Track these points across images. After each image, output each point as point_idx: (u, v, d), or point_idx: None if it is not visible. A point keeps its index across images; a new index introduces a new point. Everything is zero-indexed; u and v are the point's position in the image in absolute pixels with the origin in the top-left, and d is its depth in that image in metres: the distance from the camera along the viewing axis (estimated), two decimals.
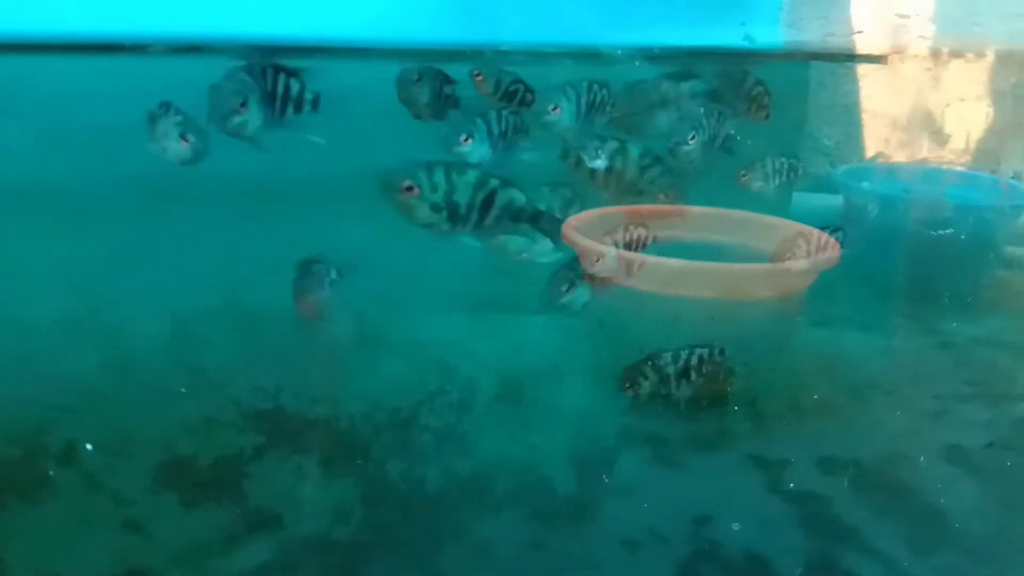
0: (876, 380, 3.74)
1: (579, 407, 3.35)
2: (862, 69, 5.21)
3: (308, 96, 2.60)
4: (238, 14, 2.89)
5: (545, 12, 3.28)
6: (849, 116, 5.35)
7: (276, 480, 2.83)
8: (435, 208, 2.18)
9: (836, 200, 4.82)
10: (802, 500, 2.96)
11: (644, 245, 3.52)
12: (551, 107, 2.93)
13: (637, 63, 3.47)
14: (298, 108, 2.58)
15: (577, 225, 3.61)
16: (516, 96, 3.16)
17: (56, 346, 3.01)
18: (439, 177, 2.16)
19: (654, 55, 3.55)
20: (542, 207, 2.46)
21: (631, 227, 3.52)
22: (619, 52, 3.43)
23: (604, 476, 3.07)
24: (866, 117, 5.48)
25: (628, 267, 3.37)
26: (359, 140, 2.79)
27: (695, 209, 4.05)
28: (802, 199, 4.40)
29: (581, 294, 2.80)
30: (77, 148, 3.20)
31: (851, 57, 4.54)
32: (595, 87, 2.85)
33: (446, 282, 3.58)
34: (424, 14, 3.16)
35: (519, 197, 2.29)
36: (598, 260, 3.26)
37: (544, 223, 2.44)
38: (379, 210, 2.31)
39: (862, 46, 3.89)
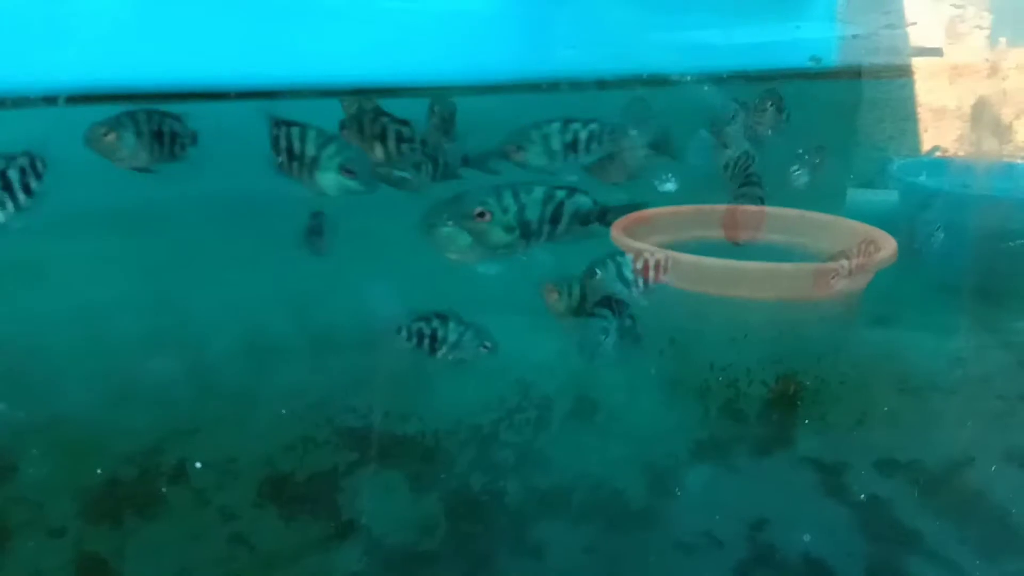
0: (936, 381, 3.70)
1: (649, 420, 3.40)
2: (917, 62, 5.02)
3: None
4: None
5: (612, 41, 3.30)
6: (904, 110, 5.16)
7: (367, 494, 2.97)
8: (508, 229, 2.23)
9: (892, 196, 4.67)
10: (863, 504, 2.95)
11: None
12: (513, 148, 2.75)
13: (705, 87, 3.46)
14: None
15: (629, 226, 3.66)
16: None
17: (167, 373, 3.20)
18: (508, 199, 2.21)
19: (722, 79, 3.54)
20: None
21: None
22: (688, 78, 3.43)
23: (676, 490, 3.12)
24: (922, 111, 5.27)
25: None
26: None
27: (749, 209, 4.03)
28: (858, 195, 4.28)
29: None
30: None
31: (906, 51, 4.39)
32: (574, 126, 2.72)
33: (515, 299, 3.67)
34: (491, 48, 3.20)
35: (585, 201, 2.33)
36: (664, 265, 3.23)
37: (611, 217, 2.48)
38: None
39: (917, 38, 3.80)
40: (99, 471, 2.78)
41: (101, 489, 2.77)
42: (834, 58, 3.93)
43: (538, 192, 2.27)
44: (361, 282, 3.02)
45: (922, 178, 4.60)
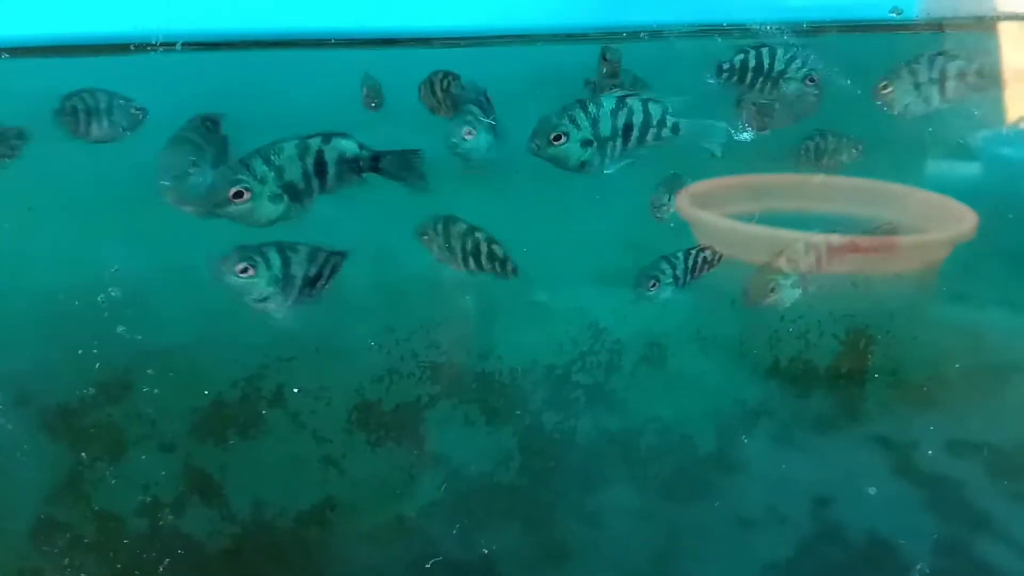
0: (1016, 359, 3.58)
1: (715, 375, 3.39)
2: (1005, 26, 4.76)
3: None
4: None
5: None
6: (990, 78, 4.89)
7: (447, 426, 3.02)
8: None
9: (975, 168, 4.49)
10: (933, 483, 2.91)
11: None
12: (465, 131, 2.52)
13: (786, 37, 3.32)
14: None
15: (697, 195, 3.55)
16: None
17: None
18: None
19: (803, 30, 3.40)
20: None
21: None
22: (769, 27, 3.29)
23: (744, 438, 3.11)
24: (1008, 78, 4.99)
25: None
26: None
27: (821, 179, 3.90)
28: (938, 167, 4.12)
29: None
30: None
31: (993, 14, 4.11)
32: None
33: (592, 252, 3.62)
34: None
35: (349, 146, 2.05)
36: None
37: (386, 163, 2.16)
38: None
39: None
40: (206, 393, 2.86)
41: (208, 410, 2.87)
42: (915, 10, 3.73)
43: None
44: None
45: (1008, 150, 4.38)
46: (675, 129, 2.11)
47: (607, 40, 2.98)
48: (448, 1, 2.88)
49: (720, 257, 2.70)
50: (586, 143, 2.03)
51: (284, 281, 2.07)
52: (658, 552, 2.90)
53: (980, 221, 3.41)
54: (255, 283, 1.99)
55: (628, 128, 2.07)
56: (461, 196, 3.23)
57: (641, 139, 2.10)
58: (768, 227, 3.22)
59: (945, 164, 3.88)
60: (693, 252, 2.62)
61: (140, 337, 2.59)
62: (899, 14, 3.19)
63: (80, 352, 2.69)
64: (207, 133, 2.20)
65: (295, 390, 2.93)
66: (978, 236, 3.37)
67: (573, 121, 2.03)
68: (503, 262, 2.51)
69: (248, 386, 2.94)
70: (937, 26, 3.67)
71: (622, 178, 3.32)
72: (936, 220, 3.46)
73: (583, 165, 2.06)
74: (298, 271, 2.13)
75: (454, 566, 2.80)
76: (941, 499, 2.90)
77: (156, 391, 2.82)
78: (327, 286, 2.18)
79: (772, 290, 2.62)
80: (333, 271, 2.21)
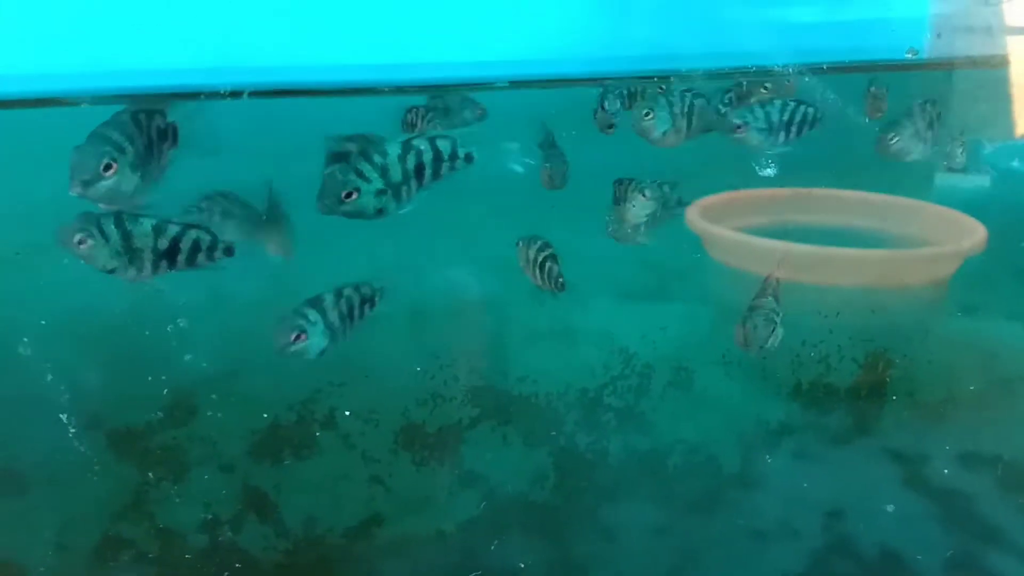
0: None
1: (740, 395, 3.41)
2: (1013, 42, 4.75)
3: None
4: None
5: (717, 34, 3.21)
6: (998, 91, 4.88)
7: (487, 446, 3.08)
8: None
9: (984, 181, 4.45)
10: (944, 496, 2.92)
11: None
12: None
13: (806, 79, 3.34)
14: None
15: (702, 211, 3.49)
16: None
17: None
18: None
19: (822, 70, 3.42)
20: None
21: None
22: (789, 70, 3.32)
23: (767, 457, 3.14)
24: (1016, 91, 4.96)
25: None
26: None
27: (830, 192, 3.68)
28: (948, 180, 4.09)
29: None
30: None
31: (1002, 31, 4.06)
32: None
33: (616, 274, 3.64)
34: (592, 42, 3.14)
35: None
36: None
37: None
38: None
39: (1013, 18, 3.58)
40: (264, 416, 2.95)
41: (265, 432, 2.96)
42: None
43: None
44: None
45: (1016, 163, 4.35)
46: (468, 159, 2.13)
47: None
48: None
49: None
50: (380, 192, 2.00)
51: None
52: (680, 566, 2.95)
53: (989, 234, 3.44)
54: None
55: (420, 168, 2.06)
56: (486, 219, 3.29)
57: (436, 174, 2.10)
58: (779, 240, 3.29)
59: (954, 178, 3.84)
60: None
61: (205, 364, 2.68)
62: (915, 55, 3.22)
63: (149, 378, 2.78)
64: (134, 129, 2.02)
65: (346, 413, 3.02)
66: (987, 249, 3.42)
67: (361, 175, 1.99)
68: (556, 279, 2.62)
69: (303, 409, 3.05)
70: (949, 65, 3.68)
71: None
72: (946, 233, 3.49)
73: (379, 212, 2.03)
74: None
75: None
76: (954, 512, 2.91)
77: (218, 415, 2.91)
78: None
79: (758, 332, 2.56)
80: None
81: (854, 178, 3.63)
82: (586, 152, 2.98)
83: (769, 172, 3.18)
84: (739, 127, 2.62)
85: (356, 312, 2.30)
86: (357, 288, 2.36)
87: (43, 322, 2.76)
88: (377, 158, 2.01)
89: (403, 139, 2.05)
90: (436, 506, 3.01)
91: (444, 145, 2.09)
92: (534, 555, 2.94)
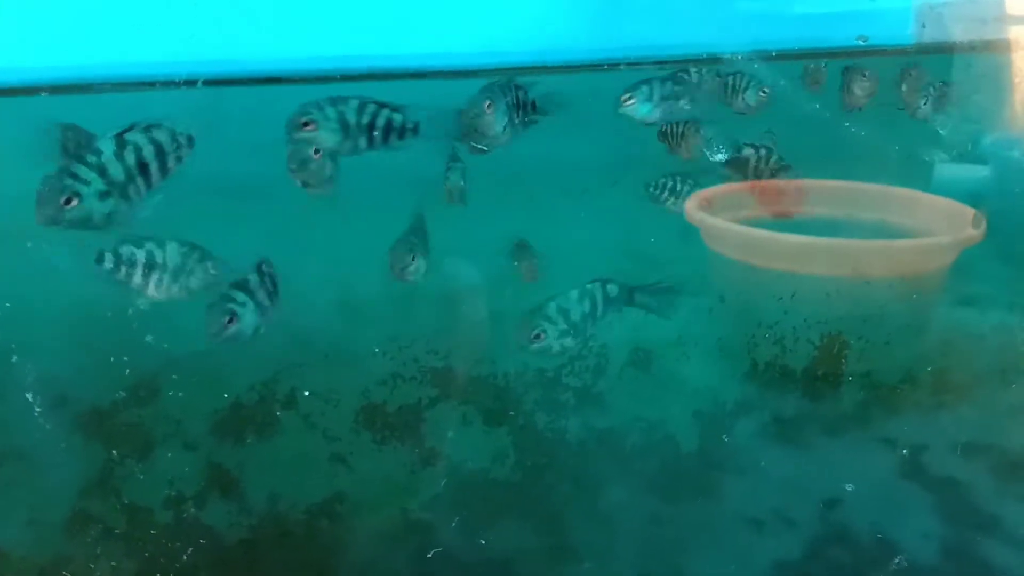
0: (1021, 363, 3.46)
1: (700, 377, 3.45)
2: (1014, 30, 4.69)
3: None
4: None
5: (667, 21, 3.21)
6: (997, 82, 4.82)
7: (446, 425, 3.13)
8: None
9: (983, 171, 4.39)
10: (939, 485, 2.94)
11: None
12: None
13: (756, 65, 3.33)
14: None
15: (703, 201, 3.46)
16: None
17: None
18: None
19: (771, 57, 3.41)
20: None
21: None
22: (739, 56, 3.31)
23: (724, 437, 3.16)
24: (1018, 81, 4.89)
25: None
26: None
27: (828, 183, 3.65)
28: (946, 171, 4.03)
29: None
30: None
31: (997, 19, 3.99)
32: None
33: (578, 259, 3.66)
34: (549, 31, 3.14)
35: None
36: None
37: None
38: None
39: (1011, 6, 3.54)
40: (226, 396, 2.99)
41: (227, 411, 3.00)
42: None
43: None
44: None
45: (1016, 152, 4.23)
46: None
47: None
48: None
49: None
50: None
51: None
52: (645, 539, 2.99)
53: (987, 224, 3.36)
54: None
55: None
56: (467, 210, 3.32)
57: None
58: (775, 231, 3.28)
59: (953, 168, 3.79)
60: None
61: (166, 345, 2.72)
62: (865, 41, 3.24)
63: (112, 359, 2.81)
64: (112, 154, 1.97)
65: (306, 393, 3.06)
66: (986, 239, 3.36)
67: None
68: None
69: (264, 389, 3.08)
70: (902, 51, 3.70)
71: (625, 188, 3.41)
72: (944, 223, 3.46)
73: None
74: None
75: (453, 556, 2.90)
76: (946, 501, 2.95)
77: (180, 394, 2.94)
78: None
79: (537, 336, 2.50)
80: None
81: (855, 169, 3.65)
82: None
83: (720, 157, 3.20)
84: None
85: (277, 287, 2.32)
86: (268, 263, 2.35)
87: (7, 304, 2.79)
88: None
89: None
90: (397, 484, 3.04)
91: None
92: (494, 532, 2.99)
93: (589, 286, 2.42)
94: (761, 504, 2.93)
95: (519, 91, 2.45)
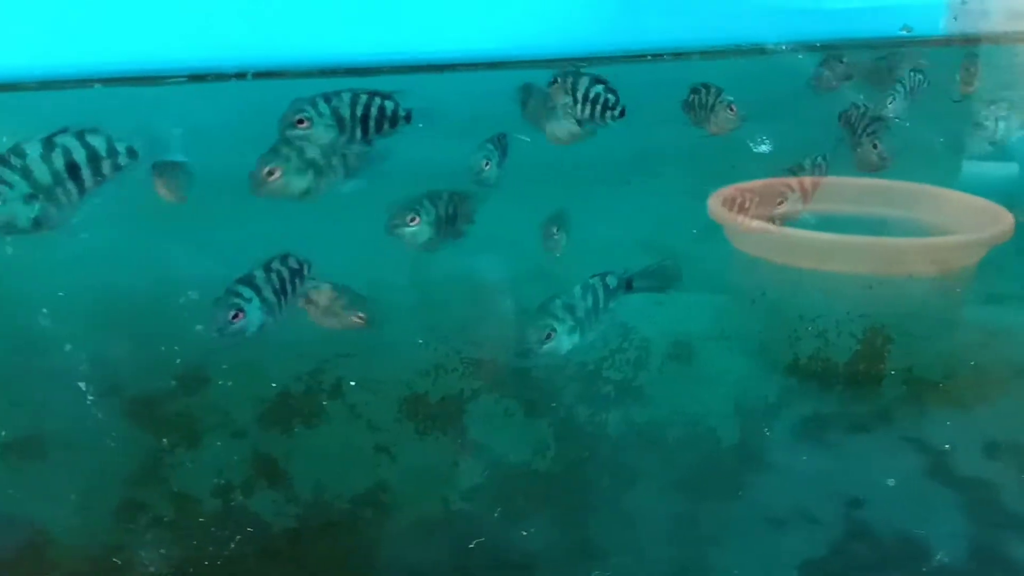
0: None
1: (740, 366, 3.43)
2: None
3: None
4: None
5: (708, 10, 3.17)
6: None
7: (488, 417, 3.12)
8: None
9: (1011, 169, 4.34)
10: (965, 485, 2.91)
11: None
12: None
13: (800, 56, 3.28)
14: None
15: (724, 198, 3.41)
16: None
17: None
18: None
19: (815, 47, 3.36)
20: None
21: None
22: (783, 47, 3.26)
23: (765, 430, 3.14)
24: None
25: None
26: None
27: (858, 181, 3.57)
28: (974, 168, 3.99)
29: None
30: None
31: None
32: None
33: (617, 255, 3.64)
34: (577, 20, 3.11)
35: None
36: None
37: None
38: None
39: None
40: (274, 385, 3.01)
41: (275, 401, 3.01)
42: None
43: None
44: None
45: None
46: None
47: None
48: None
49: None
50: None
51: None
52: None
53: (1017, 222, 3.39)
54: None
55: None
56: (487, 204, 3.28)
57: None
58: (799, 229, 3.24)
59: (982, 166, 3.74)
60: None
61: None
62: (909, 31, 3.19)
63: (162, 348, 2.84)
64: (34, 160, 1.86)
65: (352, 383, 3.07)
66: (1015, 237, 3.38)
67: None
68: None
69: (311, 379, 3.10)
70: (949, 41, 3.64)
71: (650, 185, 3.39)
72: (973, 221, 3.45)
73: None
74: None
75: (494, 547, 2.90)
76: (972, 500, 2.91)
77: (229, 384, 2.97)
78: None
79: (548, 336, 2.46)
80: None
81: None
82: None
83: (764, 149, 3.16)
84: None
85: (288, 285, 2.33)
86: (284, 260, 2.36)
87: (61, 294, 2.83)
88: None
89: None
90: (440, 474, 3.06)
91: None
92: (535, 523, 2.99)
93: (591, 280, 2.42)
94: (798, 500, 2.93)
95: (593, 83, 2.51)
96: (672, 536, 2.87)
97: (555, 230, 3.06)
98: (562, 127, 2.53)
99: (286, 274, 2.34)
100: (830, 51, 3.06)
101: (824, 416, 3.33)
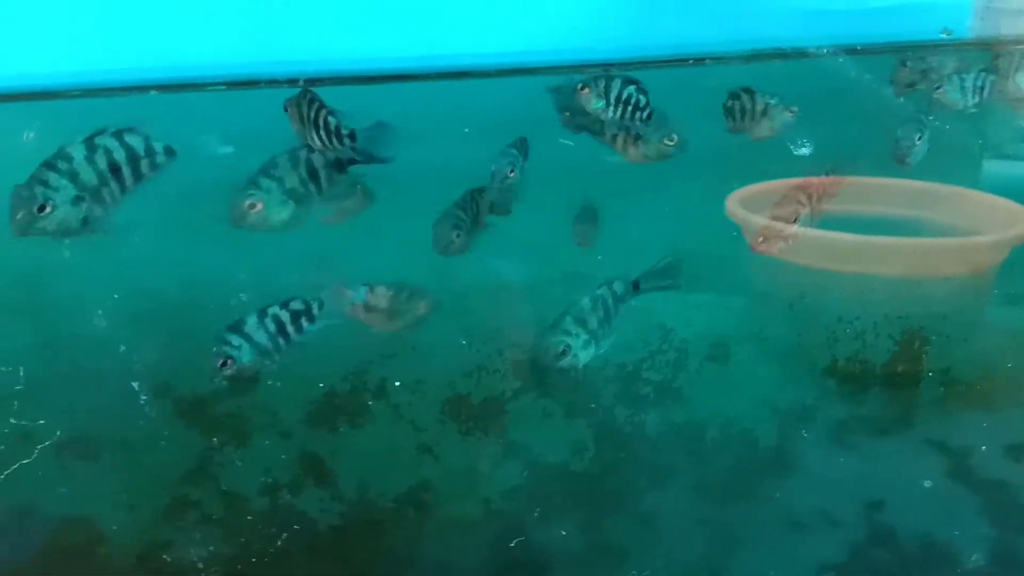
0: None
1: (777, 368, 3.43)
2: None
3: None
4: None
5: (747, 13, 3.16)
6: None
7: (528, 417, 3.15)
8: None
9: None
10: (988, 487, 2.90)
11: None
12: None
13: (840, 59, 3.27)
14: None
15: (741, 200, 3.41)
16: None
17: None
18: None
19: (856, 51, 3.34)
20: None
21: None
22: (823, 50, 3.24)
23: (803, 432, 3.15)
24: None
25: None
26: None
27: (878, 181, 3.57)
28: (995, 168, 3.96)
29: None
30: None
31: None
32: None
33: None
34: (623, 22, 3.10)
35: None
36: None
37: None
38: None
39: None
40: (321, 385, 3.05)
41: (321, 401, 3.05)
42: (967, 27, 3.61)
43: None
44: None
45: None
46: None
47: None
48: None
49: None
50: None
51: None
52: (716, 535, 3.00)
53: None
54: None
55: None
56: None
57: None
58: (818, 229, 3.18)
59: (1003, 166, 3.71)
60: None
61: None
62: (949, 35, 3.17)
63: (214, 349, 2.89)
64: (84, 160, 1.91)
65: (396, 384, 3.11)
66: None
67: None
68: None
69: (356, 380, 3.15)
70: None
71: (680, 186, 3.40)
72: (993, 222, 3.43)
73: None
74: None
75: (534, 546, 2.93)
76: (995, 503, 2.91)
77: (278, 384, 3.01)
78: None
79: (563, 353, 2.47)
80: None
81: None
82: None
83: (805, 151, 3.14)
84: None
85: (288, 327, 2.38)
86: (286, 304, 2.42)
87: (115, 296, 2.90)
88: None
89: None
90: (481, 474, 3.10)
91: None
92: (574, 523, 3.01)
93: (598, 291, 2.45)
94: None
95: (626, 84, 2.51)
96: (708, 538, 2.91)
97: (587, 225, 3.09)
98: (653, 148, 2.55)
99: (285, 317, 2.41)
100: (905, 52, 3.04)
101: (862, 417, 3.34)
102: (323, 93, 2.37)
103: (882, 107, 3.09)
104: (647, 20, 3.10)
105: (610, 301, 2.47)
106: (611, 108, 2.53)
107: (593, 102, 2.52)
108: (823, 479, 3.14)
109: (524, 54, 2.95)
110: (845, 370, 3.39)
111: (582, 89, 2.54)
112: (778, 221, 3.03)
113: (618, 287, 2.51)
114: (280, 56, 2.67)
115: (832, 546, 2.81)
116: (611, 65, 3.02)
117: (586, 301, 2.45)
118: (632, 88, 2.51)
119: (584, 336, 2.38)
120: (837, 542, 2.83)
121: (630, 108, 2.52)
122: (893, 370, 3.41)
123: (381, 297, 2.40)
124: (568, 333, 2.38)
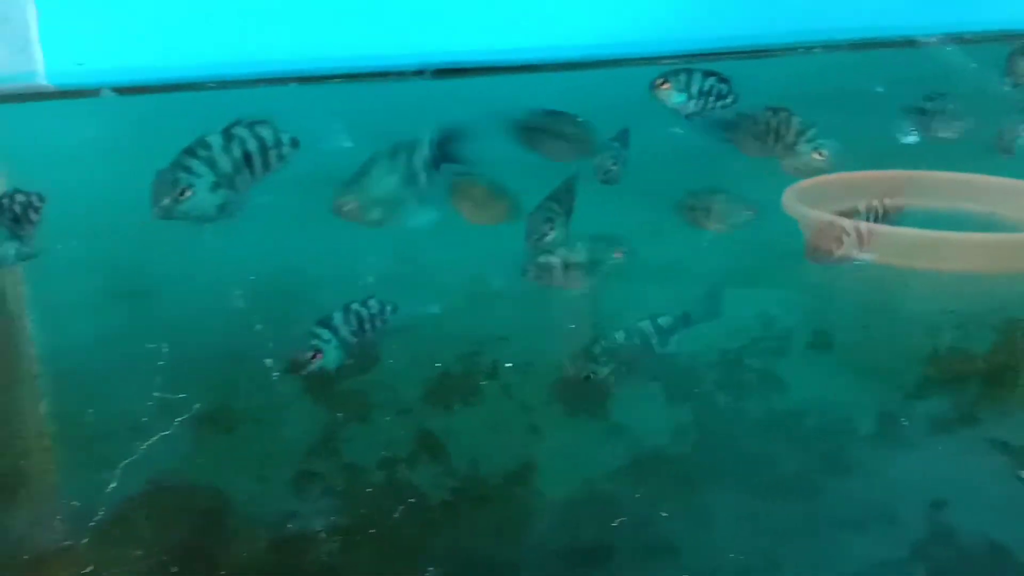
0: None
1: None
2: None
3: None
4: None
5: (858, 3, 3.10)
6: None
7: (631, 401, 3.22)
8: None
9: None
10: None
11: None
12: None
13: (949, 49, 3.19)
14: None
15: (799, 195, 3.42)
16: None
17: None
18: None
19: (965, 40, 3.25)
20: None
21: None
22: (933, 39, 3.17)
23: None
24: None
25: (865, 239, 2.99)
26: None
27: (934, 175, 3.55)
28: None
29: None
30: None
31: None
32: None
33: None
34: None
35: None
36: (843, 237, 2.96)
37: None
38: None
39: None
40: (437, 365, 3.19)
41: (437, 380, 3.19)
42: None
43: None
44: None
45: None
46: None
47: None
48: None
49: None
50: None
51: None
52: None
53: None
54: None
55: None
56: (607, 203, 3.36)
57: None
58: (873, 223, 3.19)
59: None
60: None
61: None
62: None
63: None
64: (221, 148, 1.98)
65: (507, 365, 3.22)
66: None
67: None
68: None
69: (469, 361, 3.29)
70: None
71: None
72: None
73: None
74: None
75: (636, 526, 3.00)
76: None
77: (398, 363, 3.17)
78: None
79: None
80: None
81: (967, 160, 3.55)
82: None
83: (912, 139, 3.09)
84: None
85: (368, 325, 2.59)
86: (365, 303, 2.65)
87: (252, 277, 3.09)
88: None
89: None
90: (586, 455, 3.19)
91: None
92: (674, 504, 3.07)
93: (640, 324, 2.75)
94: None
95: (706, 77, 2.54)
96: (811, 521, 2.93)
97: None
98: (802, 161, 2.53)
99: (365, 315, 2.66)
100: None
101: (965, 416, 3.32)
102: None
103: (992, 97, 3.06)
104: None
105: (652, 333, 2.70)
106: (692, 101, 2.52)
107: (674, 97, 2.52)
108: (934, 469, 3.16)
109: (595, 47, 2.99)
110: (955, 367, 3.37)
111: (662, 84, 2.52)
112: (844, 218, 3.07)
113: (664, 321, 2.74)
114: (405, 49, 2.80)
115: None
116: (723, 54, 3.05)
117: (620, 333, 2.76)
118: (713, 80, 2.52)
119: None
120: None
121: (711, 99, 2.51)
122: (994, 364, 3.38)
123: (475, 190, 2.45)
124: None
